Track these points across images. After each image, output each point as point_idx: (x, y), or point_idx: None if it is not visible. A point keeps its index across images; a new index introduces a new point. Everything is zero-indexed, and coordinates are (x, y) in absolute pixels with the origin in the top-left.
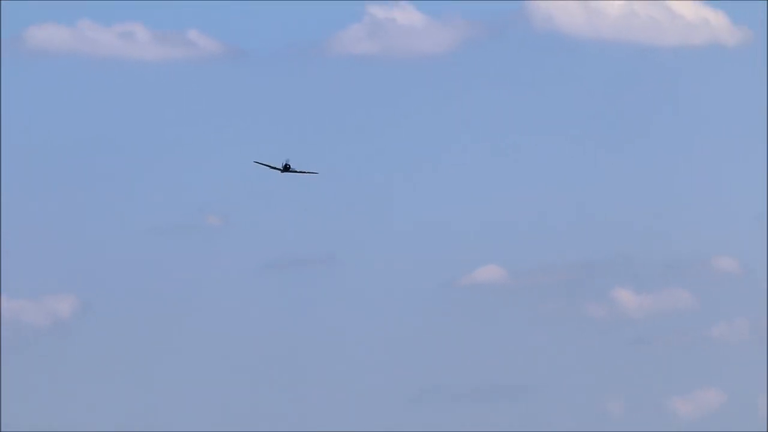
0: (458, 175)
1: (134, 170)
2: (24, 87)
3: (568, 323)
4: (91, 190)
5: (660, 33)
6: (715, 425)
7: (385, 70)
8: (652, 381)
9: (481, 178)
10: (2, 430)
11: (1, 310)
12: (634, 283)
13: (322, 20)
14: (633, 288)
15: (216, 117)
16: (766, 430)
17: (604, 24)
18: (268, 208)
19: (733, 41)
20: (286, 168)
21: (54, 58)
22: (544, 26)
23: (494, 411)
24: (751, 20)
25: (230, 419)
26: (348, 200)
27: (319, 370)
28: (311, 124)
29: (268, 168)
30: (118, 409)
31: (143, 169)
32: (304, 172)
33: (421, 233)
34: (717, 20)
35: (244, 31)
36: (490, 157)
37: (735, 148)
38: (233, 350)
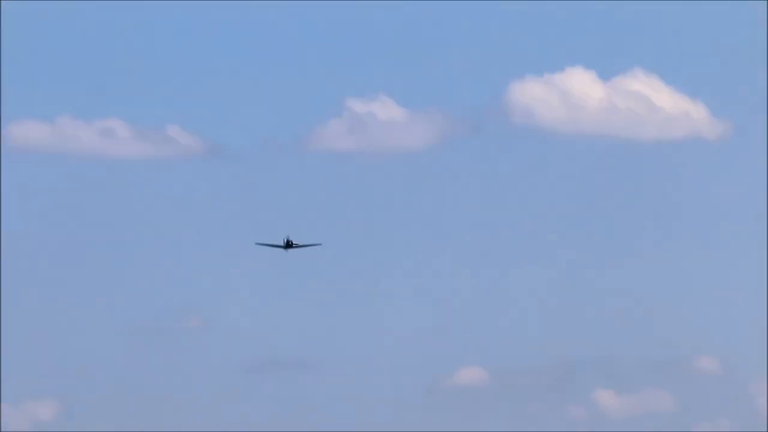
0: (439, 275)
1: (114, 270)
2: (2, 184)
3: (551, 424)
4: (70, 290)
5: (640, 126)
6: None
7: (365, 165)
8: None
9: (462, 277)
10: None
11: None
12: (615, 384)
13: (302, 115)
14: (615, 389)
15: (197, 215)
16: (766, 430)
17: (584, 117)
18: (249, 310)
19: (713, 134)
20: (289, 245)
21: (32, 154)
22: (524, 120)
23: None
24: (731, 113)
25: None
26: (328, 302)
27: None
28: (291, 220)
29: (270, 248)
30: None
31: (123, 269)
32: (307, 246)
33: (401, 335)
34: (697, 113)
35: (224, 128)
36: (471, 255)
37: (717, 243)
38: None
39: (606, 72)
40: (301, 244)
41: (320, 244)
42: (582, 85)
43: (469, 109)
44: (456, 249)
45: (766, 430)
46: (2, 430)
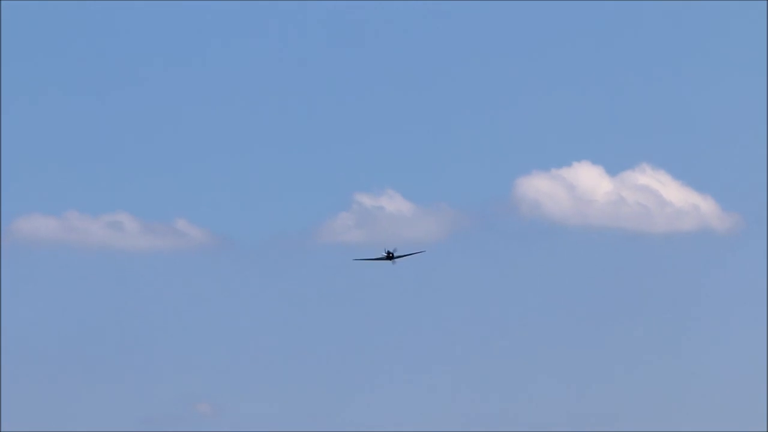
0: (446, 367)
1: (124, 360)
2: (12, 277)
3: None
4: (80, 380)
5: (649, 219)
6: None
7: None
8: None
9: (471, 368)
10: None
11: None
12: None
13: (311, 209)
14: None
15: (205, 306)
16: (766, 430)
17: (592, 211)
18: (257, 396)
19: (722, 227)
20: (391, 256)
21: (42, 248)
22: (532, 214)
23: None
24: (740, 206)
25: None
26: (338, 384)
27: None
28: (301, 312)
29: (371, 261)
30: None
31: (133, 359)
32: (412, 254)
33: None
34: (706, 206)
35: (232, 221)
36: (480, 346)
37: (728, 336)
38: None
39: (613, 167)
40: (404, 254)
41: (425, 251)
42: (589, 179)
43: (477, 203)
44: (465, 341)
45: (766, 430)
46: (2, 430)
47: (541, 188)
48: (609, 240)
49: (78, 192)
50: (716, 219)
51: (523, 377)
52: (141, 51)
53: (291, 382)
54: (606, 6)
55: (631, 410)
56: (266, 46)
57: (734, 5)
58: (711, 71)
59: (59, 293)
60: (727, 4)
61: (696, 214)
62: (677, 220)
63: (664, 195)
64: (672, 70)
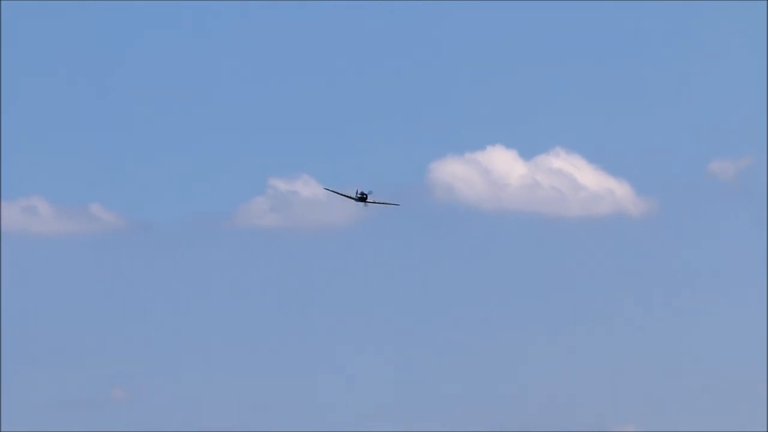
0: (361, 351)
1: (38, 345)
2: None
3: None
4: None
5: (564, 203)
6: None
7: (289, 242)
8: None
9: (385, 354)
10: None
11: None
12: None
13: (226, 193)
14: None
15: (120, 290)
16: (766, 430)
17: (507, 195)
18: (173, 381)
19: (637, 212)
20: (363, 197)
21: None
22: (446, 198)
23: None
24: (655, 190)
25: None
26: (252, 369)
27: None
28: (216, 296)
29: (340, 197)
30: None
31: (47, 344)
32: (386, 204)
33: (324, 404)
34: (621, 191)
35: (147, 205)
36: (396, 332)
37: (647, 319)
38: None
39: (527, 151)
40: (378, 201)
41: (398, 204)
42: (503, 163)
43: (391, 186)
44: (378, 326)
45: (766, 430)
46: (2, 430)
47: (455, 172)
48: (524, 224)
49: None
50: (631, 204)
51: (435, 364)
52: (57, 34)
53: (206, 366)
54: None
55: (538, 400)
56: (171, 34)
57: None
58: (623, 55)
59: None
60: None
61: (611, 198)
62: (592, 204)
63: (579, 179)
64: (585, 54)
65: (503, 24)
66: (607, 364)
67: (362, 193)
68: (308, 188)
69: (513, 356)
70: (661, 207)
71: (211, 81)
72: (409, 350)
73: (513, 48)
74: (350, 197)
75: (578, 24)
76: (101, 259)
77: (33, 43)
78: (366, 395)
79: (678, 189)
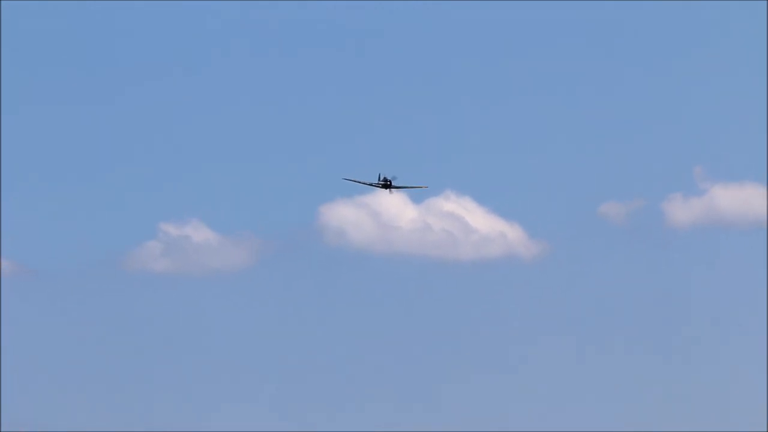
0: (254, 396)
1: None
2: None
3: None
4: None
5: (455, 246)
6: None
7: (181, 286)
8: None
9: (280, 393)
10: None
11: None
12: None
13: (117, 238)
14: None
15: (8, 337)
16: (766, 430)
17: (398, 238)
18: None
19: (529, 254)
20: (388, 184)
21: None
22: (337, 241)
23: None
24: (546, 233)
25: None
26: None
27: None
28: (107, 341)
29: (363, 185)
30: None
31: None
32: (413, 187)
33: None
34: (513, 233)
35: (36, 251)
36: (287, 375)
37: (534, 360)
38: None
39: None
40: (404, 185)
41: (427, 187)
42: (394, 206)
43: (282, 231)
44: (269, 371)
45: (766, 430)
46: (2, 430)
47: (345, 215)
48: (415, 267)
49: None
50: (523, 246)
51: (325, 407)
52: None
53: (96, 413)
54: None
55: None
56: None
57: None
58: (511, 96)
59: None
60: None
61: (503, 241)
62: (484, 247)
63: (471, 222)
64: (473, 96)
65: (390, 69)
66: (499, 406)
67: (385, 179)
68: (199, 233)
69: (403, 399)
70: (552, 249)
71: (99, 127)
72: (299, 393)
73: (400, 91)
74: (373, 184)
75: (466, 67)
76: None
77: None
78: None
79: (569, 231)
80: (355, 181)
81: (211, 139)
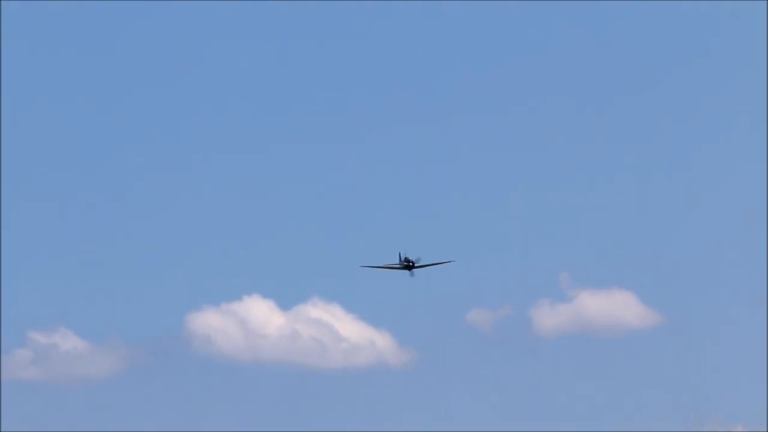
0: None
1: None
2: None
3: None
4: None
5: (324, 354)
6: None
7: (52, 395)
8: None
9: None
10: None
11: None
12: None
13: None
14: None
15: None
16: (766, 430)
17: (265, 345)
18: None
19: (398, 362)
20: (410, 265)
21: None
22: (205, 349)
23: None
24: (416, 341)
25: None
26: None
27: None
28: None
29: (384, 270)
30: None
31: None
32: (438, 264)
33: None
34: (382, 341)
35: None
36: None
37: None
38: None
39: (285, 300)
40: (427, 263)
41: (453, 261)
42: (261, 313)
43: (150, 339)
44: None
45: (766, 430)
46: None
47: (212, 323)
48: (283, 375)
49: None
50: (392, 354)
51: None
52: None
53: None
54: None
55: None
56: None
57: None
58: (379, 202)
59: None
60: None
61: (372, 348)
62: (353, 354)
63: (340, 330)
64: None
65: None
66: None
67: (407, 259)
68: (67, 341)
69: None
70: (421, 357)
71: None
72: None
73: (260, 198)
74: (393, 267)
75: (333, 169)
76: None
77: None
78: None
79: (438, 339)
80: (374, 267)
81: (78, 244)
